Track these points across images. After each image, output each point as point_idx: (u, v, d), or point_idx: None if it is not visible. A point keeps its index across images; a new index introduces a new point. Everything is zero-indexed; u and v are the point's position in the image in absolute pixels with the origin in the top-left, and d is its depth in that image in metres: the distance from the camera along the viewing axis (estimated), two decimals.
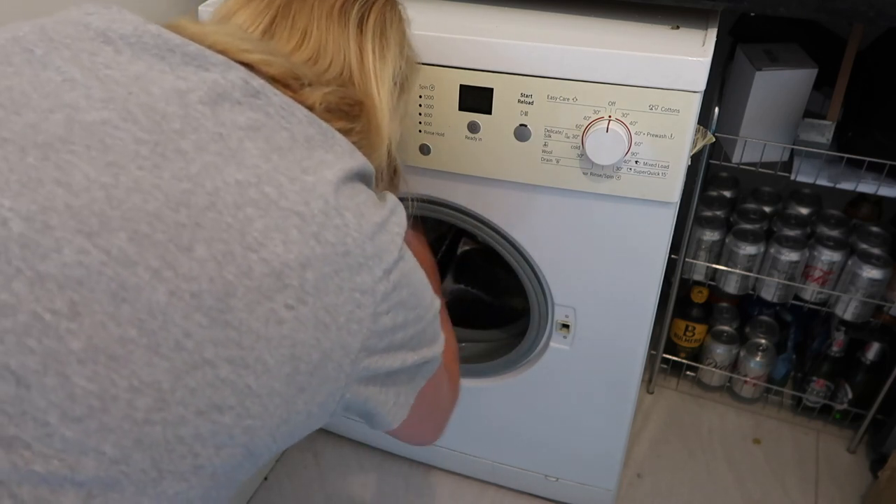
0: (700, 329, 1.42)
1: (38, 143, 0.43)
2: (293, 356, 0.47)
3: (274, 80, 0.54)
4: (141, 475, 0.42)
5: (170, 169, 0.45)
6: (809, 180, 1.09)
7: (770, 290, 1.26)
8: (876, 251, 1.19)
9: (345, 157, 0.53)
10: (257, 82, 0.51)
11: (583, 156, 0.79)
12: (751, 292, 1.29)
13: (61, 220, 0.41)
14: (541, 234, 0.90)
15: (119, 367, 0.41)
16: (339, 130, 0.56)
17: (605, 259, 0.89)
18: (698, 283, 1.35)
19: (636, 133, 0.76)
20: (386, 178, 0.68)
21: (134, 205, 0.43)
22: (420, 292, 0.58)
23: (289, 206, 0.47)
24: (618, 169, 0.79)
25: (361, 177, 0.55)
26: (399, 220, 0.56)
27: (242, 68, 0.51)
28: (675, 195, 0.81)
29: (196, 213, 0.44)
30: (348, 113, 0.58)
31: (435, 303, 0.60)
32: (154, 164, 0.45)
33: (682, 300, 1.41)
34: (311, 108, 0.54)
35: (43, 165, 0.42)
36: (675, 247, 1.15)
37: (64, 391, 0.40)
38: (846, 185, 1.08)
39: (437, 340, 0.62)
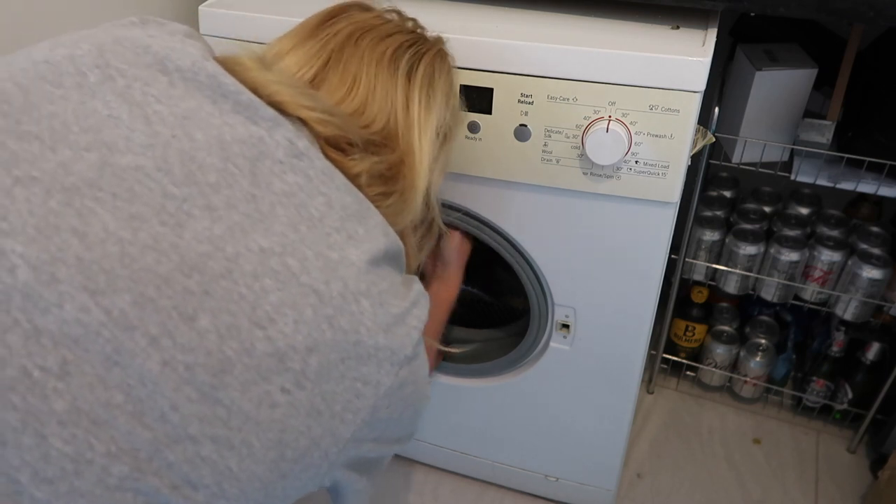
0: (700, 329, 1.42)
1: (66, 186, 0.42)
2: (281, 442, 0.45)
3: (325, 141, 0.53)
4: None
5: (193, 228, 0.44)
6: (809, 180, 1.09)
7: (770, 290, 1.26)
8: (876, 251, 1.19)
9: (376, 231, 0.52)
10: (303, 144, 0.50)
11: (583, 156, 0.79)
12: (751, 292, 1.29)
13: (69, 273, 0.41)
14: (541, 234, 0.90)
15: (99, 432, 0.40)
16: (378, 195, 0.56)
17: (605, 259, 0.89)
18: (698, 283, 1.35)
19: (636, 133, 0.76)
20: (422, 229, 0.67)
21: (146, 265, 0.42)
22: (423, 388, 0.56)
23: (309, 282, 0.46)
24: (618, 169, 0.79)
25: (390, 258, 0.54)
26: (420, 314, 0.54)
27: (291, 126, 0.51)
28: (675, 195, 0.81)
29: (208, 280, 0.43)
30: (389, 177, 0.58)
31: (429, 393, 0.59)
32: (178, 221, 0.44)
33: (682, 300, 1.41)
34: (357, 177, 0.54)
35: (64, 211, 0.42)
36: (675, 247, 1.15)
37: (39, 451, 0.39)
38: (846, 185, 1.08)
39: (414, 432, 0.60)
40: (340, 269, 0.48)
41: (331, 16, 0.62)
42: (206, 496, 0.43)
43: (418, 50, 0.63)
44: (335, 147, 0.54)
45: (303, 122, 0.53)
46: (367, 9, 0.65)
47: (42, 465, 0.39)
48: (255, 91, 0.51)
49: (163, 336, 0.41)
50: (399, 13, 0.66)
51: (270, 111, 0.50)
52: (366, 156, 0.55)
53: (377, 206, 0.55)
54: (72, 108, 0.45)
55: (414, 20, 0.67)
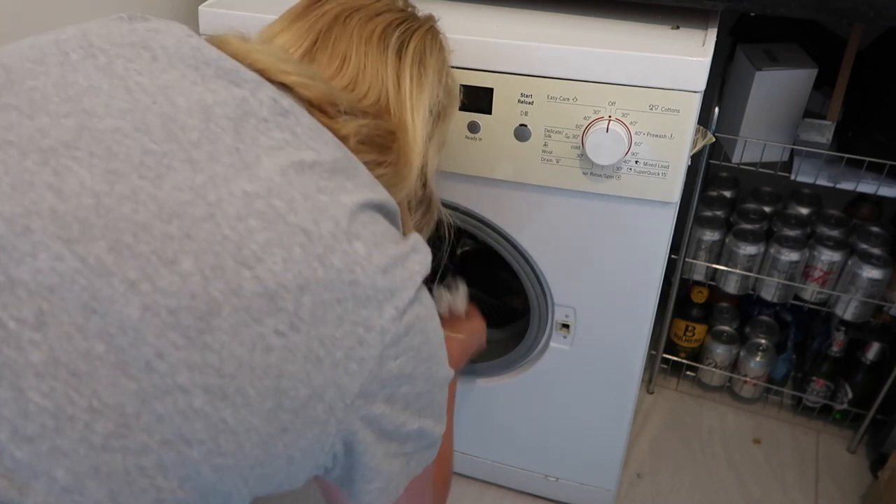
0: (700, 329, 1.42)
1: (42, 148, 0.42)
2: (277, 389, 0.43)
3: (310, 104, 0.53)
4: None
5: (173, 179, 0.43)
6: (809, 180, 1.09)
7: (770, 290, 1.26)
8: (876, 251, 1.19)
9: (364, 188, 0.51)
10: (287, 102, 0.50)
11: (583, 156, 0.79)
12: (751, 292, 1.29)
13: (43, 224, 0.40)
14: (541, 234, 0.90)
15: (80, 385, 0.38)
16: (369, 163, 0.55)
17: (605, 259, 0.89)
18: (698, 283, 1.35)
19: (636, 133, 0.76)
20: (421, 209, 0.66)
21: (122, 214, 0.41)
22: (435, 345, 0.53)
23: (296, 221, 0.45)
24: (618, 169, 0.79)
25: (382, 210, 0.52)
26: (421, 259, 0.52)
27: (274, 87, 0.50)
28: (675, 195, 0.81)
29: (189, 225, 0.42)
30: (381, 145, 0.57)
31: (449, 369, 0.55)
32: (157, 174, 0.43)
33: (682, 300, 1.41)
34: (345, 139, 0.53)
35: (40, 170, 0.41)
36: (675, 247, 1.15)
37: (17, 406, 0.37)
38: (846, 185, 1.08)
39: (443, 418, 0.56)
40: (331, 209, 0.46)
41: None
42: (201, 453, 0.41)
43: (408, 27, 0.62)
44: (320, 110, 0.53)
45: (286, 88, 0.52)
46: None
47: (21, 420, 0.37)
48: (236, 60, 0.51)
49: (142, 280, 0.40)
50: None
51: (252, 73, 0.50)
52: (352, 118, 0.55)
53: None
54: (52, 81, 0.45)
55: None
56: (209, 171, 0.44)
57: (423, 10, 0.66)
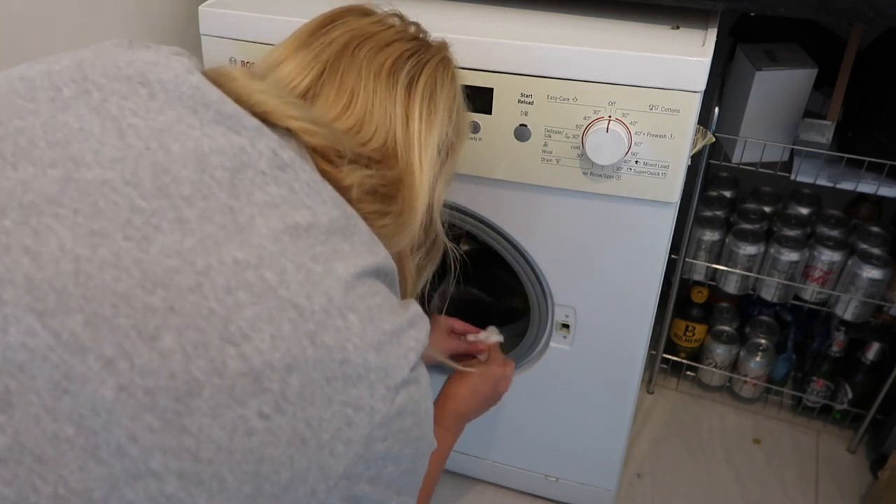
0: (700, 329, 1.42)
1: (23, 204, 0.40)
2: (257, 474, 0.40)
3: (314, 151, 0.51)
4: None
5: (160, 242, 0.41)
6: (809, 180, 1.09)
7: (770, 290, 1.26)
8: (876, 251, 1.19)
9: (362, 249, 0.49)
10: (287, 155, 0.47)
11: (583, 156, 0.79)
12: (751, 292, 1.29)
13: (16, 294, 0.37)
14: (541, 234, 0.90)
15: (45, 471, 0.36)
16: (372, 213, 0.53)
17: (605, 259, 0.89)
18: (698, 283, 1.35)
19: (636, 133, 0.76)
20: (425, 246, 0.64)
21: (102, 282, 0.39)
22: (425, 426, 0.51)
23: (288, 295, 0.42)
24: (618, 169, 0.79)
25: (379, 274, 0.50)
26: (418, 335, 0.49)
27: (275, 137, 0.48)
28: (675, 195, 0.81)
29: (174, 296, 0.40)
30: (385, 195, 0.55)
31: (433, 441, 0.54)
32: (144, 235, 0.41)
33: (682, 300, 1.41)
34: (347, 189, 0.51)
35: (18, 230, 0.39)
36: (675, 247, 1.15)
37: None
38: (846, 185, 1.08)
39: (417, 493, 0.54)
40: (325, 281, 0.44)
41: (327, 22, 0.60)
42: None
43: (419, 60, 0.60)
44: (324, 158, 0.52)
45: (291, 132, 0.51)
46: (366, 13, 0.62)
47: None
48: (239, 101, 0.49)
49: (119, 358, 0.38)
50: (401, 17, 0.63)
51: (254, 121, 0.48)
52: (357, 167, 0.53)
53: (370, 226, 0.52)
54: (41, 122, 0.43)
55: (417, 25, 0.64)
56: (200, 232, 0.42)
57: (425, 11, 0.66)
